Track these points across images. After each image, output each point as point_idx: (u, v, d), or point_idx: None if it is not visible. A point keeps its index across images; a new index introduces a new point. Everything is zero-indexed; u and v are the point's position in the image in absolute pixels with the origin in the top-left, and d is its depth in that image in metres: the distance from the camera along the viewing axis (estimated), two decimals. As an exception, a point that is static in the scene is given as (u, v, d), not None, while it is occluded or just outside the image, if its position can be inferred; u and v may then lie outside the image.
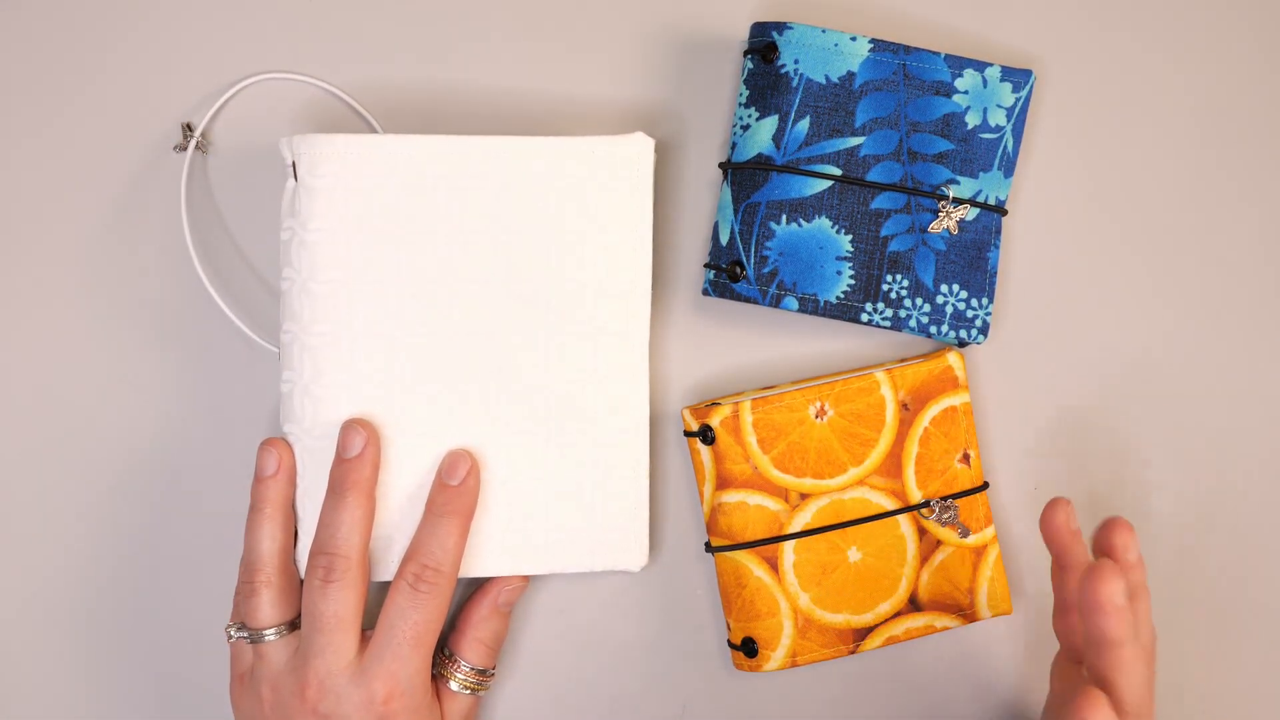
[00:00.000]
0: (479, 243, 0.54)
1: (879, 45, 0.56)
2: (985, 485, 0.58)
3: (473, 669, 0.56)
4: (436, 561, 0.52)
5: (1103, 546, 0.51)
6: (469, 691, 0.56)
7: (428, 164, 0.54)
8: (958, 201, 0.56)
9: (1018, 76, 0.57)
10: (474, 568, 0.55)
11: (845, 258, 0.56)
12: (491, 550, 0.55)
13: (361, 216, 0.54)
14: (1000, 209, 0.57)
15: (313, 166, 0.54)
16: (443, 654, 0.56)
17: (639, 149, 0.55)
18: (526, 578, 0.57)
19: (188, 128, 0.59)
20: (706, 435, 0.56)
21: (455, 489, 0.53)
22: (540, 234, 0.55)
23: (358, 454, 0.53)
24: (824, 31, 0.56)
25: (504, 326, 0.55)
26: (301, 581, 0.54)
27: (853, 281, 0.56)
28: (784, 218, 0.56)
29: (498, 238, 0.54)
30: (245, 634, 0.53)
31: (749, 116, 0.57)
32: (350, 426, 0.53)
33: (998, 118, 0.57)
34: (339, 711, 0.51)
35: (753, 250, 0.56)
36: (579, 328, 0.55)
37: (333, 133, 0.56)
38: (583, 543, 0.56)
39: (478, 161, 0.54)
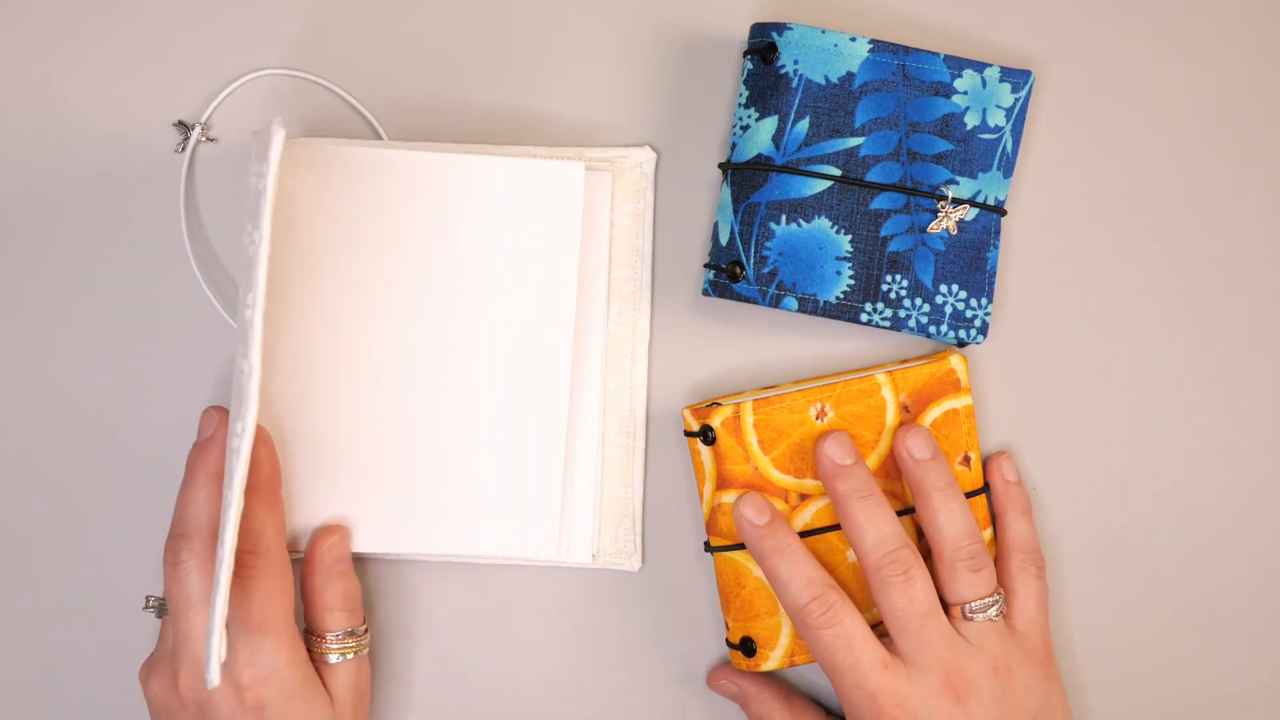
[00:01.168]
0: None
1: (879, 46, 0.56)
2: (986, 487, 0.58)
3: (338, 634, 0.55)
4: (250, 545, 0.52)
5: (894, 445, 0.56)
6: (347, 657, 0.55)
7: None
8: (957, 202, 0.56)
9: (1017, 77, 0.57)
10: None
11: (845, 258, 0.56)
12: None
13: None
14: (1000, 209, 0.57)
15: (259, 165, 0.55)
16: (306, 631, 0.56)
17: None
18: (342, 527, 0.57)
19: (182, 125, 0.59)
20: (707, 435, 0.56)
21: (251, 465, 0.52)
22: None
23: (207, 438, 0.54)
24: (824, 32, 0.56)
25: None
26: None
27: (852, 282, 0.56)
28: (784, 218, 0.56)
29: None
30: (154, 608, 0.55)
31: (749, 117, 0.57)
32: (206, 412, 0.55)
33: (997, 118, 0.57)
34: (210, 701, 0.52)
35: (752, 250, 0.56)
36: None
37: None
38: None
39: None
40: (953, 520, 0.54)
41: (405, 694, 0.60)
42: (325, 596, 0.55)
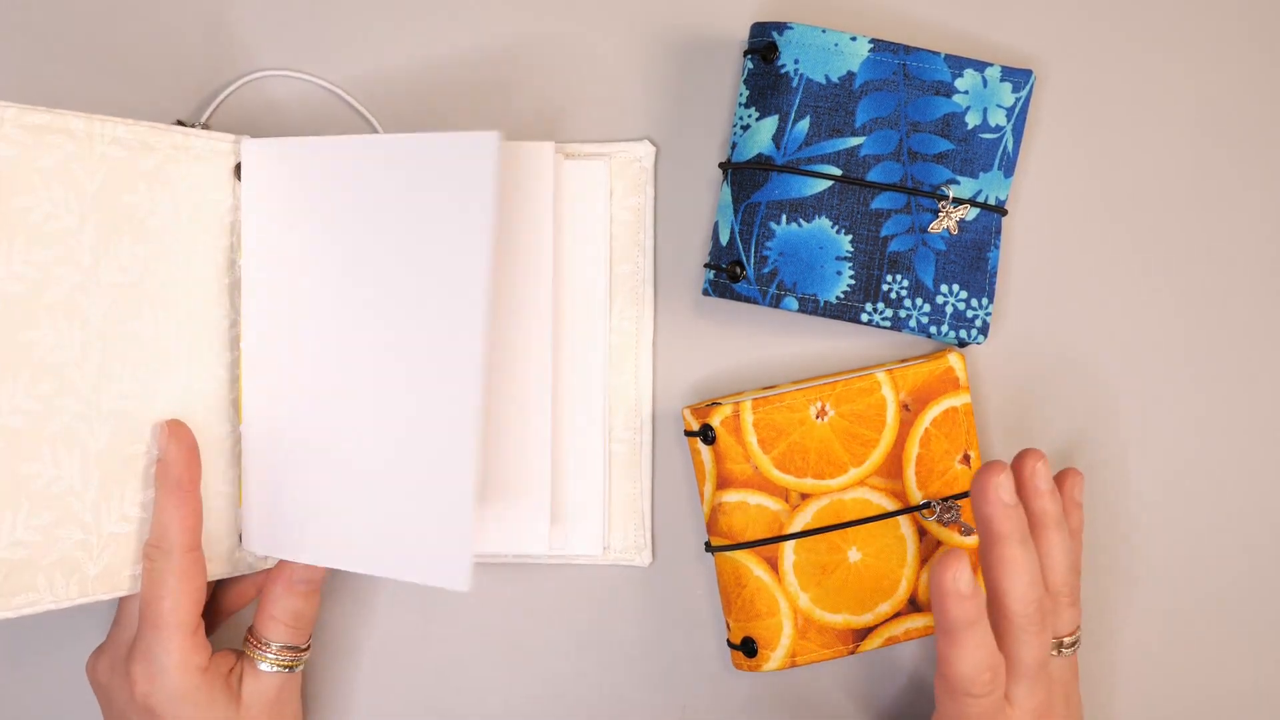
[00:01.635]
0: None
1: (879, 45, 0.56)
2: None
3: (280, 646, 0.55)
4: (155, 538, 0.52)
5: (1015, 471, 0.53)
6: (280, 669, 0.55)
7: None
8: (958, 201, 0.56)
9: (1018, 76, 0.57)
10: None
11: (845, 258, 0.56)
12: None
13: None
14: (1000, 209, 0.57)
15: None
16: (249, 631, 0.56)
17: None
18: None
19: (181, 124, 0.59)
20: (707, 435, 0.56)
21: (159, 462, 0.52)
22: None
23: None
24: (824, 31, 0.56)
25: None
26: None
27: (853, 281, 0.56)
28: (784, 218, 0.56)
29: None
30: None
31: (749, 116, 0.57)
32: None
33: (998, 118, 0.57)
34: (118, 700, 0.53)
35: (753, 250, 0.56)
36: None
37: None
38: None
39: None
40: (1066, 555, 0.53)
41: (406, 694, 0.60)
42: (274, 606, 0.55)
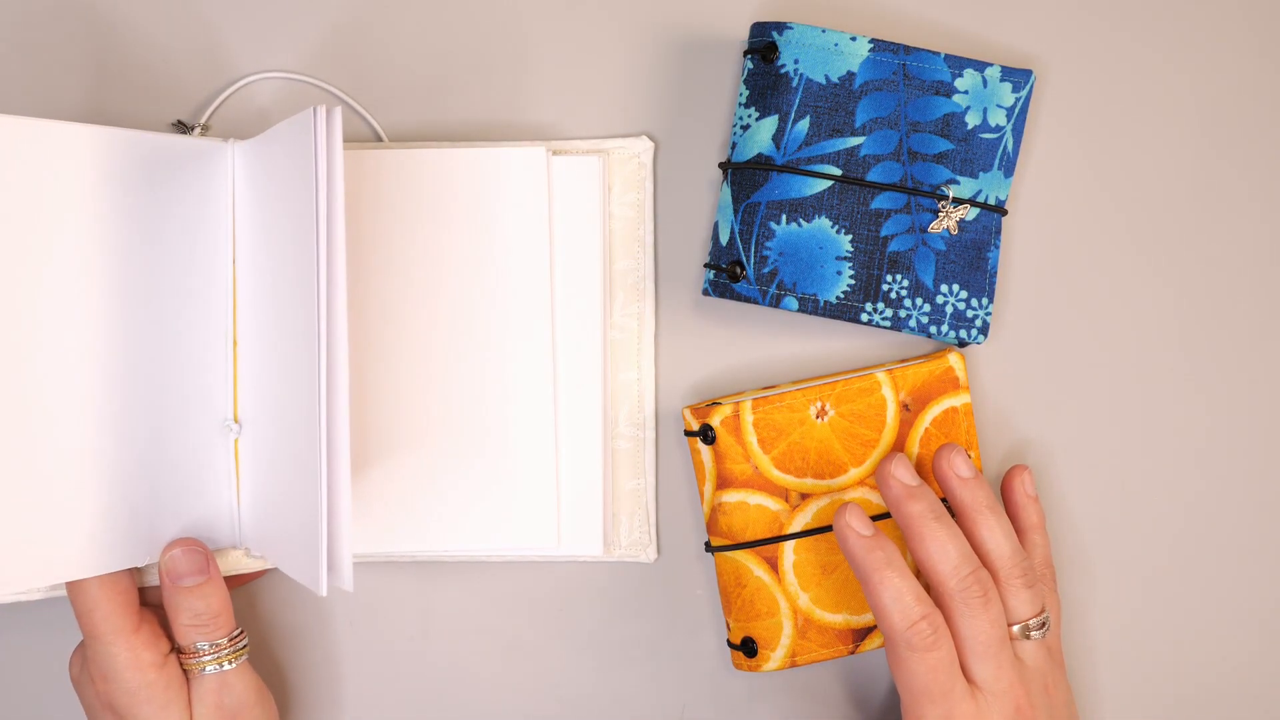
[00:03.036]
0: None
1: (879, 45, 0.56)
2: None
3: (204, 646, 0.54)
4: None
5: (936, 467, 0.55)
6: (226, 666, 0.54)
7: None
8: (958, 201, 0.56)
9: (1018, 76, 0.57)
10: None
11: (845, 258, 0.56)
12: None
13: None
14: (1000, 209, 0.57)
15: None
16: (174, 649, 0.55)
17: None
18: (189, 541, 0.55)
19: (181, 125, 0.59)
20: (707, 435, 0.56)
21: None
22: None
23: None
24: (824, 31, 0.56)
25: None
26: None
27: (853, 281, 0.56)
28: (784, 218, 0.56)
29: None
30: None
31: (749, 116, 0.57)
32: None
33: (998, 118, 0.57)
34: (87, 698, 0.54)
35: (753, 250, 0.56)
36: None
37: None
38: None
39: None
40: (1002, 538, 0.53)
41: (406, 694, 0.60)
42: (173, 614, 0.54)
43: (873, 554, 0.52)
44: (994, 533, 0.53)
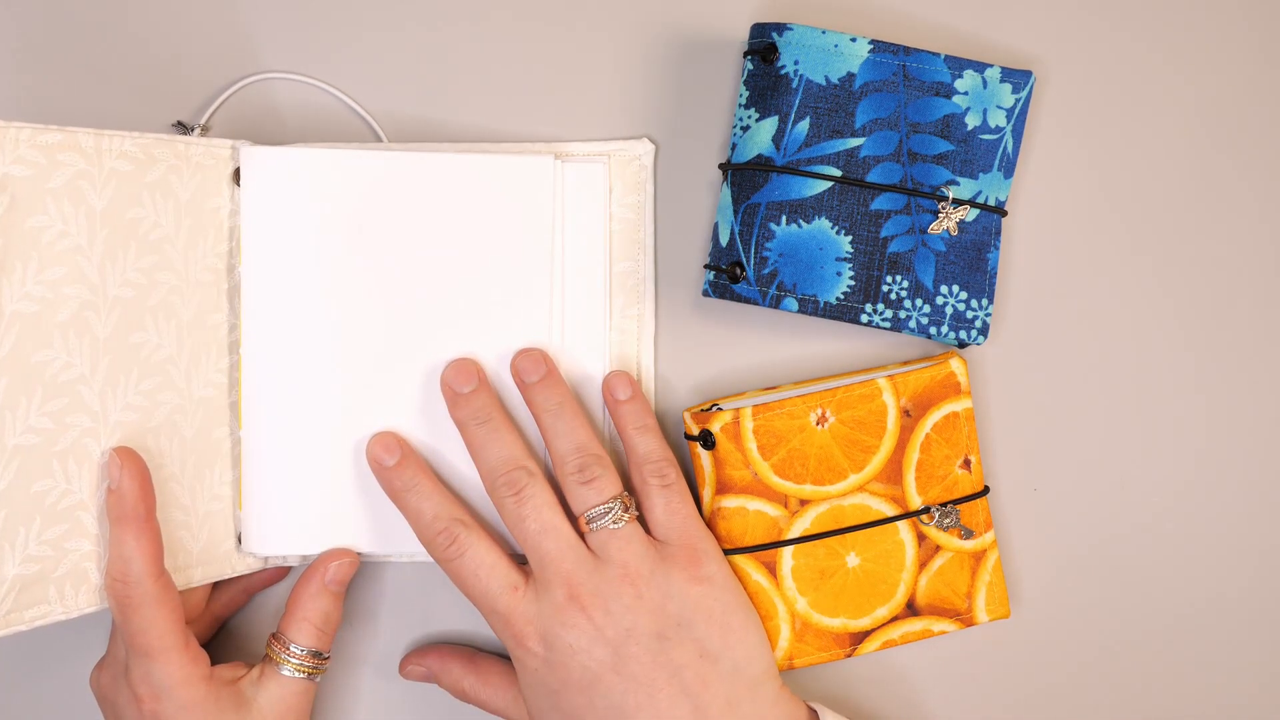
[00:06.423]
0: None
1: (879, 46, 0.55)
2: (986, 490, 0.58)
3: (304, 651, 0.55)
4: (120, 573, 0.51)
5: (513, 371, 0.57)
6: (301, 675, 0.55)
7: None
8: (957, 202, 0.56)
9: (1017, 77, 0.56)
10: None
11: (845, 259, 0.56)
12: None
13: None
14: (1000, 210, 0.57)
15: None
16: (273, 636, 0.56)
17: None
18: (356, 554, 0.57)
19: (181, 125, 0.59)
20: (707, 440, 0.56)
21: (112, 493, 0.51)
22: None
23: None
24: (824, 32, 0.55)
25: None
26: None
27: (853, 282, 0.56)
28: (784, 219, 0.56)
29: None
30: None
31: (749, 117, 0.57)
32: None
33: (998, 119, 0.56)
34: (126, 714, 0.53)
35: (753, 251, 0.56)
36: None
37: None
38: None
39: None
40: (560, 436, 0.55)
41: (408, 693, 0.60)
42: (307, 608, 0.55)
43: (392, 484, 0.55)
44: (550, 432, 0.55)
